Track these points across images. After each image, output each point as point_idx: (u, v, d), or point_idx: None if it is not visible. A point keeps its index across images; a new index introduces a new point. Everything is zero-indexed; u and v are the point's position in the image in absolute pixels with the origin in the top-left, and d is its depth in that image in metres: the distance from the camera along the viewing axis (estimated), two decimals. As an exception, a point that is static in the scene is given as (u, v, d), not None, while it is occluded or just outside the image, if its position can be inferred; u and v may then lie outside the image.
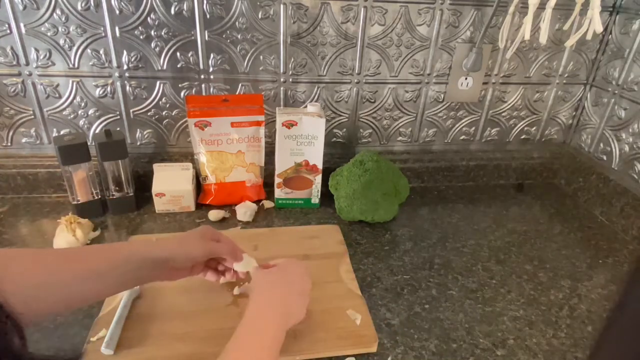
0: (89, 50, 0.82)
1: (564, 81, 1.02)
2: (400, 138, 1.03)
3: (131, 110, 0.89)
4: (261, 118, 0.88)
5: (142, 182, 0.91)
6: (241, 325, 0.50)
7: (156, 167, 0.89)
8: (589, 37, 0.78)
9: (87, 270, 0.49)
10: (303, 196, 0.93)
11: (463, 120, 1.03)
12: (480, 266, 0.79)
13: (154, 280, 0.57)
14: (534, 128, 1.07)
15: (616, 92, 0.94)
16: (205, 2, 0.81)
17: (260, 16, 0.84)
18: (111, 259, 0.51)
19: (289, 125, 0.84)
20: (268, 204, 0.93)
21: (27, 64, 0.82)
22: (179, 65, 0.86)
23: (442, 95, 0.99)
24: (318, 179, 0.91)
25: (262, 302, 0.53)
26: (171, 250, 0.55)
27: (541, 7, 0.79)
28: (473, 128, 1.04)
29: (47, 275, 0.46)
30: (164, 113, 0.91)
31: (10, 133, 0.88)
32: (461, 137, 1.05)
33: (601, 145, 0.99)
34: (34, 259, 0.47)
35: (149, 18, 0.81)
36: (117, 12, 0.80)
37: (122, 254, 0.52)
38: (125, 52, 0.83)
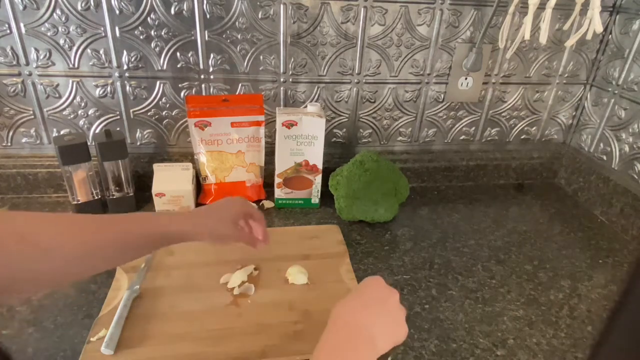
0: (89, 50, 0.82)
1: (564, 81, 1.02)
2: (400, 138, 1.03)
3: (131, 110, 0.89)
4: (261, 118, 0.88)
5: (142, 182, 0.91)
6: None
7: (156, 167, 0.89)
8: (589, 37, 0.78)
9: (123, 241, 0.49)
10: (303, 196, 0.93)
11: (463, 120, 1.03)
12: (480, 266, 0.79)
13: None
14: (534, 128, 1.07)
15: (616, 92, 0.94)
16: (205, 2, 0.81)
17: (260, 16, 0.84)
18: (143, 231, 0.52)
19: (289, 125, 0.84)
20: (268, 204, 0.93)
21: (27, 64, 0.82)
22: (179, 65, 0.86)
23: (442, 95, 0.99)
24: (318, 179, 0.91)
25: (334, 333, 0.45)
26: (200, 231, 0.56)
27: (541, 7, 0.79)
28: (473, 128, 1.04)
29: (93, 245, 0.46)
30: (164, 113, 0.91)
31: (10, 133, 0.88)
32: (461, 137, 1.05)
33: (601, 145, 0.99)
34: (81, 227, 0.47)
35: (149, 18, 0.81)
36: (117, 12, 0.80)
37: (153, 227, 0.53)
38: (125, 52, 0.83)
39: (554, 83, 1.02)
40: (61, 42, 0.81)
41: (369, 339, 0.45)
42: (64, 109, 0.87)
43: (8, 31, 0.79)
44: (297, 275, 0.71)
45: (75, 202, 0.84)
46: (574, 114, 1.06)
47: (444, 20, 0.90)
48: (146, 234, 0.52)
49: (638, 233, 0.87)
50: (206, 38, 0.84)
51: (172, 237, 0.55)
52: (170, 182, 0.87)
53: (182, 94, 0.89)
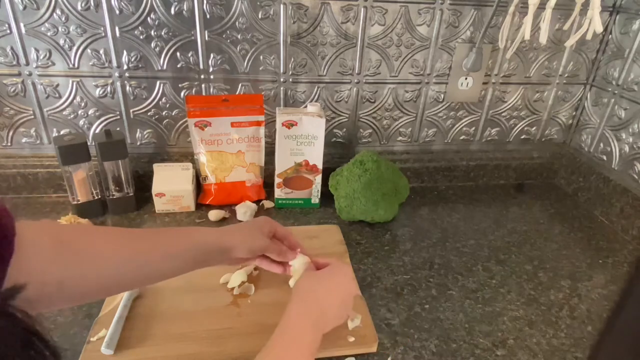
0: (89, 50, 0.82)
1: (564, 81, 1.02)
2: (400, 138, 1.03)
3: (131, 110, 0.89)
4: (261, 118, 0.88)
5: (142, 182, 0.91)
6: (277, 332, 0.50)
7: (156, 167, 0.89)
8: (589, 37, 0.78)
9: (164, 252, 0.52)
10: (303, 196, 0.93)
11: (463, 120, 1.03)
12: (480, 266, 0.79)
13: (213, 265, 0.59)
14: (534, 128, 1.07)
15: (616, 92, 0.94)
16: (205, 2, 0.81)
17: (260, 16, 0.84)
18: (184, 243, 0.54)
19: (289, 125, 0.84)
20: (268, 204, 0.93)
21: (27, 64, 0.82)
22: (179, 65, 0.86)
23: (442, 95, 0.99)
24: (318, 179, 0.91)
25: (299, 308, 0.54)
26: (236, 242, 0.58)
27: (541, 7, 0.79)
28: (473, 128, 1.04)
29: (134, 254, 0.49)
30: (164, 113, 0.91)
31: (10, 133, 0.88)
32: (461, 137, 1.05)
33: (601, 145, 0.99)
34: (120, 237, 0.50)
35: (149, 18, 0.81)
36: (117, 12, 0.80)
37: (194, 239, 0.55)
38: (125, 52, 0.83)
39: (554, 83, 1.02)
40: (61, 42, 0.81)
41: (321, 318, 0.54)
42: (64, 109, 0.87)
43: (8, 31, 0.79)
44: (300, 272, 0.70)
45: (75, 202, 0.84)
46: (574, 114, 1.06)
47: (444, 20, 0.90)
48: (187, 247, 0.54)
49: (638, 233, 0.87)
50: (206, 38, 0.84)
51: (211, 251, 0.56)
52: (170, 182, 0.87)
53: (182, 94, 0.89)
